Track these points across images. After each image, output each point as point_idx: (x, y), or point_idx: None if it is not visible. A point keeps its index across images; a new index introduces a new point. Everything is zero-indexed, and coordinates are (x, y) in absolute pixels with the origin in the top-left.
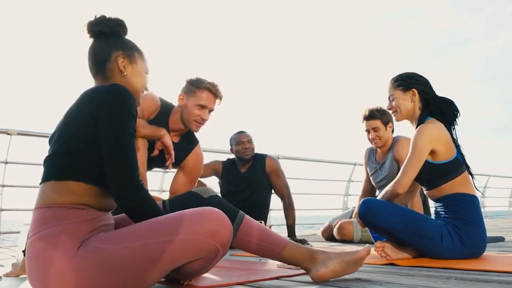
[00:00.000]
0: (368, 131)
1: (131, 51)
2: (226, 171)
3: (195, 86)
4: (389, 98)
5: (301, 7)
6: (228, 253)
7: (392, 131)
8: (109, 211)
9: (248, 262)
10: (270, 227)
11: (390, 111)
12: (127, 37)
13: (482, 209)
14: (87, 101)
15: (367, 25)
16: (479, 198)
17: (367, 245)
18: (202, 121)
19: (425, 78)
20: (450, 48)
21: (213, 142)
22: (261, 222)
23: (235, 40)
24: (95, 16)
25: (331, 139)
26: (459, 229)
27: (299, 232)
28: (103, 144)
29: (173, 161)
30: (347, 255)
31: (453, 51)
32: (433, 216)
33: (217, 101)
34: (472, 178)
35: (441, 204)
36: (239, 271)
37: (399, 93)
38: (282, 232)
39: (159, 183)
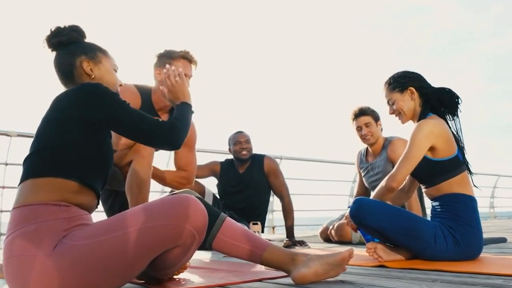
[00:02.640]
0: (359, 127)
1: (94, 52)
2: (224, 171)
3: (169, 57)
4: (388, 103)
5: (304, 5)
6: (220, 255)
7: (381, 130)
8: (90, 211)
9: (237, 264)
10: (273, 228)
11: (394, 115)
12: (87, 40)
13: (491, 210)
14: (64, 101)
15: (372, 24)
16: (489, 199)
17: (350, 247)
18: None
19: (417, 73)
20: (457, 46)
21: (214, 143)
22: (256, 224)
23: (238, 39)
24: (51, 30)
25: (336, 140)
26: (454, 230)
27: (304, 233)
28: (122, 130)
29: None
30: (329, 257)
31: (461, 49)
32: (429, 216)
33: (193, 66)
34: (471, 176)
35: (438, 204)
36: (224, 272)
37: (397, 95)
38: (284, 233)
39: (166, 160)
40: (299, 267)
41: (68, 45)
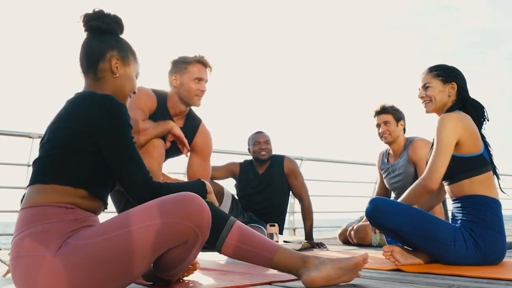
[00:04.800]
0: (378, 125)
1: (126, 53)
2: (243, 172)
3: (185, 62)
4: (423, 86)
5: (326, 5)
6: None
7: (404, 131)
8: (97, 214)
9: (251, 266)
10: (294, 230)
11: (421, 100)
12: (122, 36)
13: None
14: (77, 110)
15: (396, 23)
16: None
17: (368, 249)
18: (202, 94)
19: (464, 75)
20: (483, 45)
21: (236, 144)
22: (274, 226)
23: (261, 39)
24: (93, 10)
25: (358, 141)
26: (475, 233)
27: (325, 235)
28: (110, 158)
29: (189, 149)
30: (341, 261)
31: (487, 48)
32: (450, 218)
33: (208, 71)
34: (498, 180)
35: (459, 206)
36: (235, 274)
37: (438, 83)
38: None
39: (184, 167)
40: (310, 270)
41: (105, 33)
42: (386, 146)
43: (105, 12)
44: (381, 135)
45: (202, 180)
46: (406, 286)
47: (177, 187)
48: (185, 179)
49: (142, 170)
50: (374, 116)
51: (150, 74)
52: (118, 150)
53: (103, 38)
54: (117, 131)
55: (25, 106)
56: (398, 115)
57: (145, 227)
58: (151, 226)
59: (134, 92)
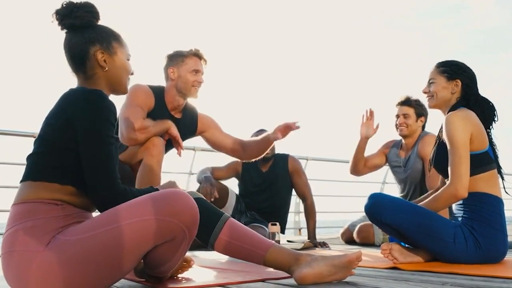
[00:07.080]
0: (397, 116)
1: (109, 42)
2: (246, 170)
3: (182, 55)
4: (428, 81)
5: (333, 5)
6: None
7: (423, 128)
8: (90, 210)
9: (251, 265)
10: (300, 230)
11: (425, 95)
12: (100, 22)
13: None
14: (65, 105)
15: (403, 23)
16: None
17: (358, 249)
18: (199, 85)
19: (473, 72)
20: (492, 45)
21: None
22: (275, 225)
23: (268, 37)
24: (62, 4)
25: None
26: (476, 231)
27: (332, 235)
28: (83, 153)
29: (183, 149)
30: (334, 258)
31: (500, 50)
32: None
33: (204, 63)
34: (503, 181)
35: (461, 203)
36: (231, 272)
37: (442, 79)
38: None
39: (188, 166)
40: (302, 267)
41: (82, 28)
42: (397, 138)
43: (75, 3)
44: (397, 127)
45: (155, 187)
46: (399, 284)
47: (138, 192)
48: (190, 178)
49: (115, 172)
50: (396, 106)
51: (147, 72)
52: (94, 146)
53: (81, 34)
54: (96, 127)
55: (28, 106)
56: (420, 111)
57: (132, 223)
58: (139, 223)
59: (132, 73)
